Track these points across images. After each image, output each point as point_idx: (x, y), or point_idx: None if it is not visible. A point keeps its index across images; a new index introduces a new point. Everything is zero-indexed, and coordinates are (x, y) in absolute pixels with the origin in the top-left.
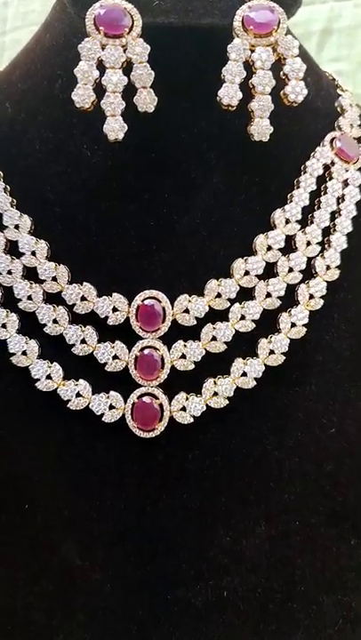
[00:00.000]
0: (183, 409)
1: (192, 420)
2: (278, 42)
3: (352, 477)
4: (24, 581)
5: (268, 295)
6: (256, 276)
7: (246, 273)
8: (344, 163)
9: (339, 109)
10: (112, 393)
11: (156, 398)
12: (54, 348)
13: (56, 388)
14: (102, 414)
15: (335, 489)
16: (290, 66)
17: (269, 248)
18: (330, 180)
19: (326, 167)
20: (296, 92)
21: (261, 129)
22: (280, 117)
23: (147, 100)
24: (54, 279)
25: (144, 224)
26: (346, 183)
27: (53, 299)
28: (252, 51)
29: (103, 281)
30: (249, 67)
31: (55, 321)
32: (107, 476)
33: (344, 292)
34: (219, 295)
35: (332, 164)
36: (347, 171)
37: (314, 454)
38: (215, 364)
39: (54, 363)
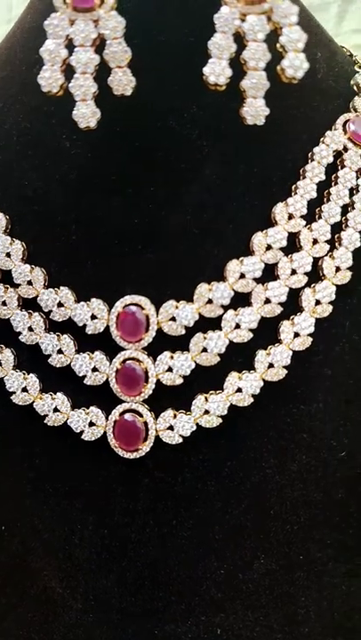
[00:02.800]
0: (170, 428)
1: (181, 439)
2: (273, 9)
3: None
4: (0, 607)
5: (268, 301)
6: (253, 279)
7: (242, 276)
8: (359, 148)
9: (355, 88)
10: (92, 409)
11: (140, 415)
12: (31, 359)
13: (32, 402)
14: (82, 432)
15: (345, 520)
16: (287, 36)
17: (269, 247)
18: (342, 168)
19: (338, 154)
20: (295, 65)
21: (255, 111)
22: (284, 99)
23: (122, 82)
24: (30, 283)
25: (128, 221)
26: None
27: (29, 305)
28: (243, 20)
29: (83, 285)
30: (241, 39)
31: (30, 329)
32: (89, 498)
33: (357, 296)
34: (210, 301)
35: (345, 149)
36: None
37: (321, 480)
38: (207, 379)
39: (31, 374)
